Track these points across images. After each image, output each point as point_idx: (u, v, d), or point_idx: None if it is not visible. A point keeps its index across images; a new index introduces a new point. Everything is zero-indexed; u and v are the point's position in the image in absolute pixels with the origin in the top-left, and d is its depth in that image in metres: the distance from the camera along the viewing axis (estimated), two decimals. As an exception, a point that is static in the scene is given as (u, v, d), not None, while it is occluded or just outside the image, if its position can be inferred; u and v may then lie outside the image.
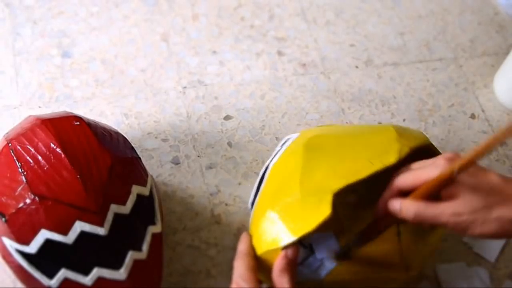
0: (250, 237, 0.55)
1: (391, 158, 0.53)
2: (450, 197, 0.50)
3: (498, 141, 0.48)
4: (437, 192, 0.51)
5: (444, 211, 0.49)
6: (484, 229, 0.49)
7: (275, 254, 0.52)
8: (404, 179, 0.53)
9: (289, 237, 0.51)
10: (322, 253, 0.58)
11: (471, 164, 0.49)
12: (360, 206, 0.63)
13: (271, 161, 0.61)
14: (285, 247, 0.51)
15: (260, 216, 0.55)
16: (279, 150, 0.62)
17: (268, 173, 0.59)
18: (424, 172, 0.51)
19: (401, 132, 0.57)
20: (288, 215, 0.53)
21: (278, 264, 0.51)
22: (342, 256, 0.58)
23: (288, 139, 0.63)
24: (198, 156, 0.72)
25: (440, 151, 0.75)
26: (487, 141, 0.48)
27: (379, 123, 0.77)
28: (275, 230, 0.53)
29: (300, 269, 0.57)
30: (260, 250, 0.54)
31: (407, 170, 0.53)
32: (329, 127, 0.68)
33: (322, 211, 0.50)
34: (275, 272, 0.51)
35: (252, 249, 0.54)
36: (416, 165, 0.54)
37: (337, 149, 0.57)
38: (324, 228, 0.58)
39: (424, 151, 0.58)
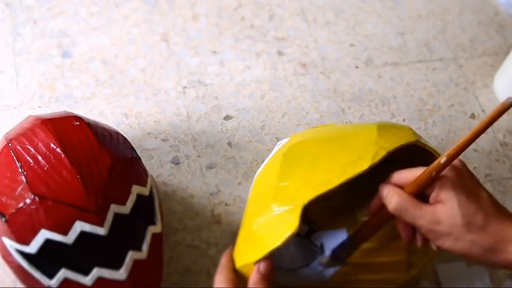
0: (232, 251, 0.55)
1: (364, 165, 0.51)
2: (437, 202, 0.50)
3: (483, 129, 0.48)
4: (427, 186, 0.50)
5: (424, 214, 0.49)
6: (455, 246, 0.49)
7: (250, 268, 0.52)
8: (403, 174, 0.53)
9: (257, 254, 0.51)
10: (329, 250, 0.58)
11: (459, 151, 0.49)
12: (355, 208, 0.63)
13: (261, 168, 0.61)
14: (258, 262, 0.51)
15: (241, 229, 0.56)
16: (268, 157, 0.62)
17: (253, 183, 0.59)
18: (421, 168, 0.51)
19: (382, 132, 0.56)
20: (261, 229, 0.53)
21: (252, 279, 0.51)
22: (335, 259, 0.58)
23: (280, 144, 0.63)
24: (198, 156, 0.72)
25: (440, 151, 0.76)
26: (474, 129, 0.48)
27: (379, 123, 0.77)
28: (249, 245, 0.53)
29: (306, 271, 0.57)
30: (237, 263, 0.54)
31: (409, 169, 0.53)
32: (318, 129, 0.67)
33: (291, 224, 0.50)
34: (250, 286, 0.51)
35: (232, 262, 0.54)
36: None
37: (313, 157, 0.56)
38: (337, 225, 0.57)
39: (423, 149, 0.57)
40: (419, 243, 0.53)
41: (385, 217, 0.54)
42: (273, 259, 0.52)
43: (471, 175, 0.52)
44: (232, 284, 0.51)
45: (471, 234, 0.48)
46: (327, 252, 0.58)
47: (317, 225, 0.62)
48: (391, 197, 0.51)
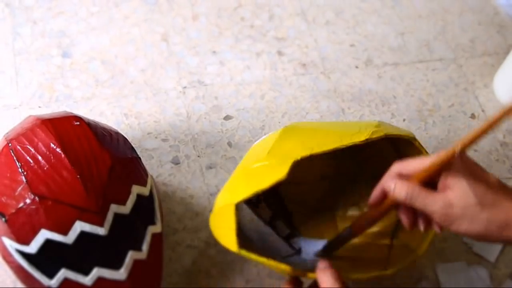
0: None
1: (361, 137, 0.53)
2: (445, 189, 0.50)
3: (497, 121, 0.48)
4: (436, 175, 0.50)
5: (436, 199, 0.49)
6: (471, 227, 0.49)
7: (229, 210, 0.52)
8: (406, 164, 0.52)
9: (242, 194, 0.52)
10: (308, 255, 0.60)
11: (472, 142, 0.49)
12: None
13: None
14: (238, 203, 0.52)
15: (234, 174, 0.58)
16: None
17: (250, 149, 0.62)
18: (426, 158, 0.51)
19: (385, 125, 0.58)
20: (249, 176, 0.55)
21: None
22: (326, 251, 0.59)
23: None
24: (198, 156, 0.72)
25: (440, 151, 0.76)
26: (487, 121, 0.48)
27: (379, 123, 0.77)
28: (235, 188, 0.55)
29: (297, 259, 0.59)
30: (217, 205, 0.55)
31: (411, 159, 0.53)
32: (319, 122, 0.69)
33: (279, 172, 0.51)
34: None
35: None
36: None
37: (313, 129, 0.58)
38: (322, 236, 0.58)
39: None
40: (421, 227, 0.53)
41: (385, 210, 0.54)
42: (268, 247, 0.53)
43: (474, 162, 0.52)
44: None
45: (485, 212, 0.48)
46: (304, 255, 0.60)
47: (298, 231, 0.64)
48: (401, 187, 0.51)
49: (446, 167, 0.50)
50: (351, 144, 0.53)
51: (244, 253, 0.52)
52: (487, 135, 0.49)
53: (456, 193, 0.49)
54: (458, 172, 0.50)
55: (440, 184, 0.51)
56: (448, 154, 0.50)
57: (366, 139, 0.54)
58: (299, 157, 0.53)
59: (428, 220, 0.53)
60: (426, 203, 0.50)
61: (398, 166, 0.53)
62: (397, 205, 0.53)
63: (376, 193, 0.55)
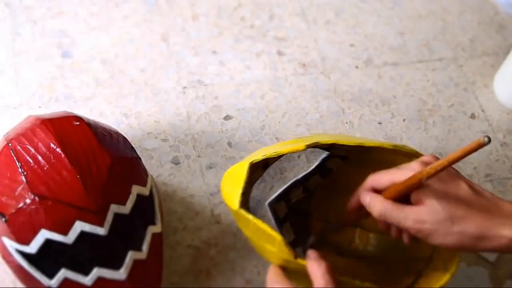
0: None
1: (302, 147, 0.55)
2: (418, 202, 0.50)
3: (468, 152, 0.48)
4: (406, 194, 0.51)
5: (408, 216, 0.50)
6: (445, 241, 0.49)
7: (242, 168, 0.55)
8: (378, 178, 0.53)
9: (259, 156, 0.56)
10: None
11: (438, 172, 0.49)
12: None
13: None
14: (254, 162, 0.55)
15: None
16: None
17: None
18: (398, 173, 0.52)
19: (342, 136, 0.60)
20: (267, 147, 0.60)
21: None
22: (315, 245, 0.60)
23: None
24: (198, 156, 0.72)
25: (440, 150, 0.76)
26: (458, 151, 0.48)
27: (379, 123, 0.77)
28: (252, 156, 0.58)
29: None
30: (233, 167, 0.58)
31: (384, 171, 0.54)
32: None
33: (299, 145, 0.55)
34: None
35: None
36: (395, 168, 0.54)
37: (339, 135, 0.61)
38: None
39: None
40: (406, 239, 0.54)
41: (362, 216, 0.56)
42: None
43: (448, 171, 0.52)
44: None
45: (456, 226, 0.49)
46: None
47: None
48: (374, 204, 0.52)
49: (415, 187, 0.51)
50: (378, 145, 0.55)
51: (242, 212, 0.51)
52: (456, 163, 0.49)
53: (427, 209, 0.49)
54: (429, 187, 0.50)
55: (413, 198, 0.51)
56: (414, 180, 0.50)
57: (395, 146, 0.56)
58: (323, 141, 0.54)
59: (400, 229, 0.54)
60: (399, 220, 0.50)
61: (372, 179, 0.54)
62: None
63: (352, 204, 0.56)
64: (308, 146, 0.55)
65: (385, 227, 0.55)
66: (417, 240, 0.52)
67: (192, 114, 0.75)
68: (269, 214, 0.62)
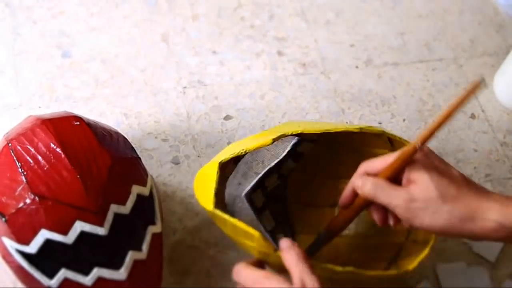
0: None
1: (268, 141, 0.56)
2: (409, 183, 0.51)
3: (455, 109, 0.49)
4: (399, 170, 0.51)
5: (399, 193, 0.50)
6: (433, 221, 0.49)
7: (213, 168, 0.56)
8: (371, 163, 0.54)
9: (228, 155, 0.57)
10: None
11: (431, 135, 0.50)
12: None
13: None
14: (223, 162, 0.56)
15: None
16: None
17: None
18: (391, 156, 0.52)
19: (307, 123, 0.61)
20: (236, 144, 0.61)
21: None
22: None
23: None
24: (198, 156, 0.72)
25: (441, 151, 0.76)
26: (445, 111, 0.49)
27: (379, 123, 0.77)
28: (221, 154, 0.59)
29: None
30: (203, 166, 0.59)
31: (377, 157, 0.54)
32: None
33: (266, 140, 0.56)
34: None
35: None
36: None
37: (306, 122, 0.63)
38: None
39: None
40: (391, 222, 0.54)
41: (357, 209, 0.55)
42: None
43: (439, 157, 0.53)
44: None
45: (447, 204, 0.49)
46: None
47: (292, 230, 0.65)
48: (365, 181, 0.52)
49: (409, 162, 0.51)
50: (344, 130, 0.56)
51: (218, 212, 0.52)
52: (446, 124, 0.49)
53: (418, 187, 0.50)
54: (421, 166, 0.51)
55: (404, 179, 0.51)
56: (410, 149, 0.51)
57: (360, 128, 0.57)
58: (289, 133, 0.56)
59: (386, 216, 0.54)
60: (390, 198, 0.51)
61: (365, 165, 0.54)
62: (368, 204, 0.54)
63: (346, 192, 0.56)
64: (274, 140, 0.56)
65: (378, 215, 0.55)
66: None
67: (192, 114, 0.75)
68: (247, 204, 0.63)
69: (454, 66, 0.84)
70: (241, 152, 0.56)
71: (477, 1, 0.93)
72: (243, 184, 0.67)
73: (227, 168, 0.63)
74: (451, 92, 0.81)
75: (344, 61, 0.83)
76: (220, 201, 0.60)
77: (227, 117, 0.75)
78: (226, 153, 0.58)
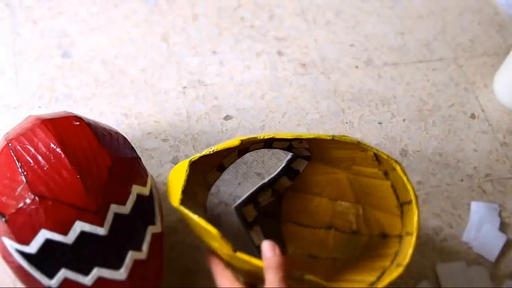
0: (214, 253, 0.55)
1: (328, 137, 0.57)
2: None
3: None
4: None
5: None
6: None
7: (183, 166, 0.56)
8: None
9: (199, 155, 0.57)
10: None
11: None
12: None
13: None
14: (193, 160, 0.56)
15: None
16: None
17: None
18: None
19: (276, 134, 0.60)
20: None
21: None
22: None
23: None
24: (198, 156, 0.72)
25: (440, 151, 0.76)
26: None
27: (379, 123, 0.77)
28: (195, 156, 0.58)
29: None
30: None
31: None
32: None
33: (236, 143, 0.57)
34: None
35: (222, 263, 0.54)
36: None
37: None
38: None
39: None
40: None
41: None
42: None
43: None
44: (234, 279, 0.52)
45: None
46: None
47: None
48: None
49: None
50: (316, 137, 0.56)
51: (182, 209, 0.52)
52: None
53: None
54: None
55: None
56: None
57: (333, 136, 0.57)
58: (260, 137, 0.56)
59: None
60: None
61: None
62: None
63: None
64: (243, 141, 0.56)
65: None
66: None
67: (192, 114, 0.75)
68: (236, 217, 0.63)
69: (454, 66, 0.84)
70: (210, 151, 0.57)
71: (477, 1, 0.93)
72: (243, 184, 0.67)
73: (209, 174, 0.63)
74: (451, 92, 0.82)
75: (344, 61, 0.83)
76: (198, 204, 0.59)
77: (227, 117, 0.75)
78: (200, 153, 0.59)
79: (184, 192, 0.54)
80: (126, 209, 0.54)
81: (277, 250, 0.50)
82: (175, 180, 0.56)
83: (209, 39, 0.83)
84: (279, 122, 0.76)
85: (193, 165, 0.57)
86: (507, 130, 0.79)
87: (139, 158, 0.60)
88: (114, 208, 0.53)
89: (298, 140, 0.60)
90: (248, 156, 0.66)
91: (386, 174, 0.59)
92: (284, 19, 0.86)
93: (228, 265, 0.53)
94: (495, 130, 0.79)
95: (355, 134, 0.76)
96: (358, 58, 0.83)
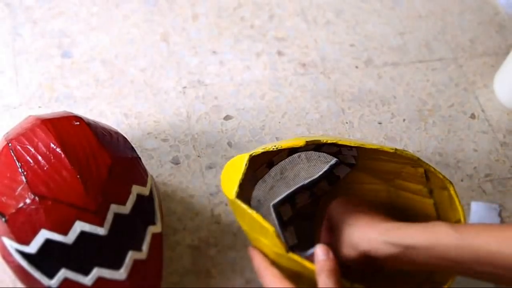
0: (259, 251, 0.55)
1: (301, 143, 0.56)
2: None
3: None
4: None
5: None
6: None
7: (241, 160, 0.55)
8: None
9: (259, 150, 0.56)
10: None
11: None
12: None
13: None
14: (253, 155, 0.55)
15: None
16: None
17: None
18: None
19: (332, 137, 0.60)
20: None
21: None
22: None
23: None
24: (198, 156, 0.72)
25: (440, 151, 0.76)
26: None
27: (379, 123, 0.77)
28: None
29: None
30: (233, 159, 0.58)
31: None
32: None
33: (298, 142, 0.56)
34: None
35: (267, 260, 0.53)
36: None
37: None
38: None
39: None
40: None
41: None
42: None
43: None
44: (283, 278, 0.51)
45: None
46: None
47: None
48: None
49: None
50: (378, 148, 0.55)
51: (238, 202, 0.51)
52: None
53: None
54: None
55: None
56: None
57: (395, 149, 0.55)
58: (323, 139, 0.55)
59: None
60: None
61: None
62: None
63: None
64: (308, 143, 0.55)
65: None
66: None
67: (192, 114, 0.75)
68: (273, 215, 0.62)
69: (454, 66, 0.84)
70: (273, 148, 0.56)
71: (477, 1, 0.93)
72: (268, 191, 0.65)
73: (259, 170, 0.62)
74: (451, 92, 0.81)
75: (344, 61, 0.83)
76: (246, 199, 0.58)
77: (227, 117, 0.75)
78: (259, 149, 0.58)
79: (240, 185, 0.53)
80: (126, 209, 0.54)
81: (331, 255, 0.50)
82: (231, 173, 0.55)
83: (209, 39, 0.83)
84: (279, 122, 0.76)
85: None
86: (507, 130, 0.79)
87: (139, 158, 0.60)
88: (114, 208, 0.53)
89: (349, 147, 0.59)
90: (285, 163, 0.66)
91: (431, 192, 0.58)
92: (284, 19, 0.86)
93: (273, 263, 0.52)
94: (495, 130, 0.79)
95: (355, 134, 0.76)
96: (358, 58, 0.83)
